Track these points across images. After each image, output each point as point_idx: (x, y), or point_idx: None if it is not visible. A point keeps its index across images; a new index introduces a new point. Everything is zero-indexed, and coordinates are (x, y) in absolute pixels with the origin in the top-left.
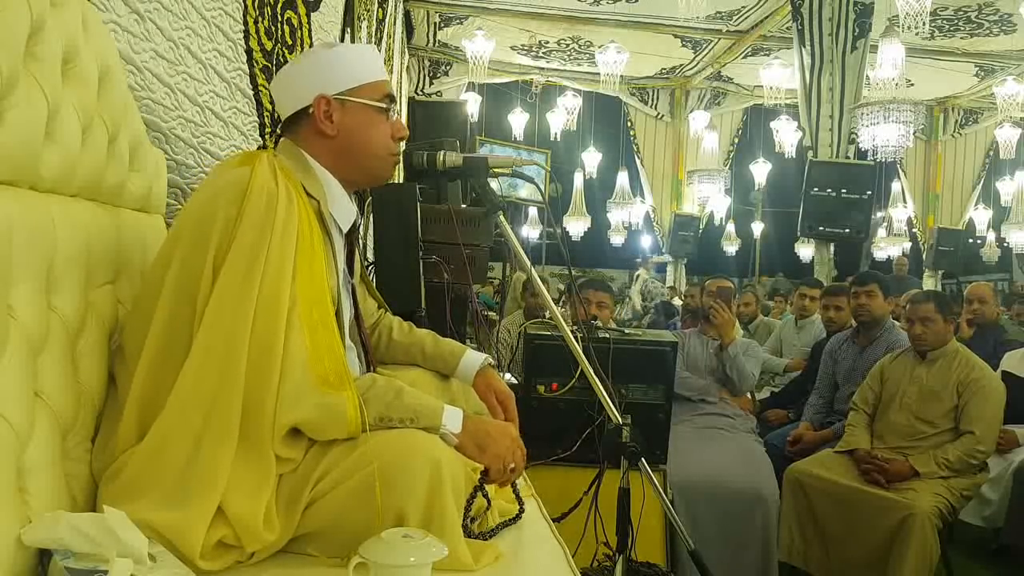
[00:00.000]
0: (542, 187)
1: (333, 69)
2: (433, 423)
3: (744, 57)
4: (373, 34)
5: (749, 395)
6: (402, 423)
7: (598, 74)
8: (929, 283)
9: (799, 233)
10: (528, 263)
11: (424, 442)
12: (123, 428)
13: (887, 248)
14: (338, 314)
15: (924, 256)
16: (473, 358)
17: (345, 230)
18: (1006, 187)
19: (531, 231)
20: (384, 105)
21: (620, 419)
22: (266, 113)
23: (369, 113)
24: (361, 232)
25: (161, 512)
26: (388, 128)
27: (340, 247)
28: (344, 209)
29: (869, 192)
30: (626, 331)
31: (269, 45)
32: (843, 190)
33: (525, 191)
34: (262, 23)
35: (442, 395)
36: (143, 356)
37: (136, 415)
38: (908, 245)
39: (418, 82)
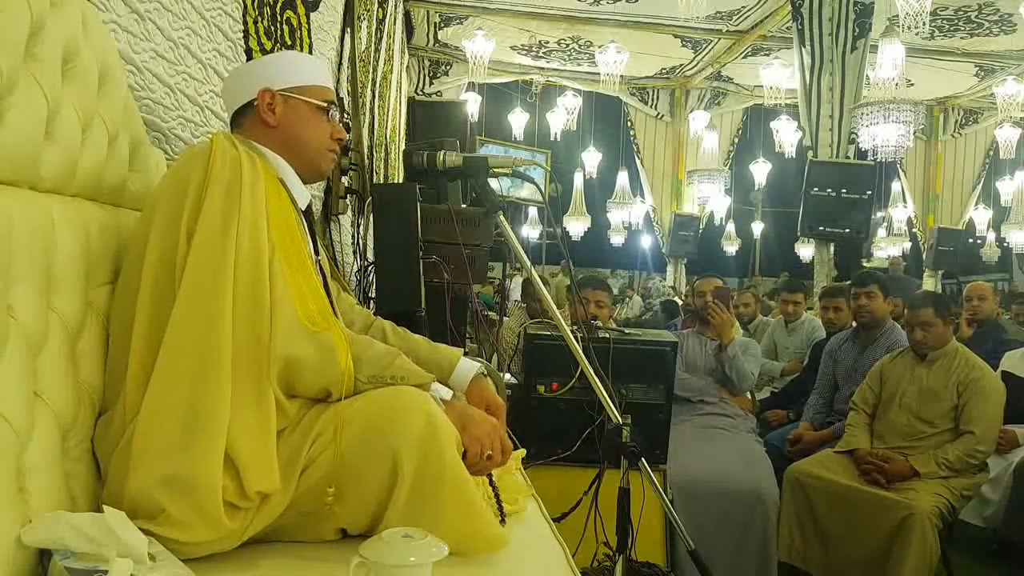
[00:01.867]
0: (542, 187)
1: (280, 68)
2: (422, 381)
3: (744, 57)
4: (373, 34)
5: (749, 395)
6: (393, 380)
7: (598, 74)
8: (929, 283)
9: (799, 233)
10: (528, 263)
11: (416, 396)
12: (129, 401)
13: (887, 248)
14: None
15: (924, 256)
16: (467, 367)
17: (302, 207)
18: (1006, 187)
19: (531, 231)
20: (324, 105)
21: (620, 419)
22: None
23: (310, 110)
24: (361, 232)
25: (172, 459)
26: (327, 128)
27: (303, 224)
28: (299, 189)
29: (869, 192)
30: (626, 331)
31: (268, 45)
32: (843, 190)
33: (525, 191)
34: (261, 23)
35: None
36: (135, 332)
37: (138, 386)
38: (908, 245)
39: (418, 82)
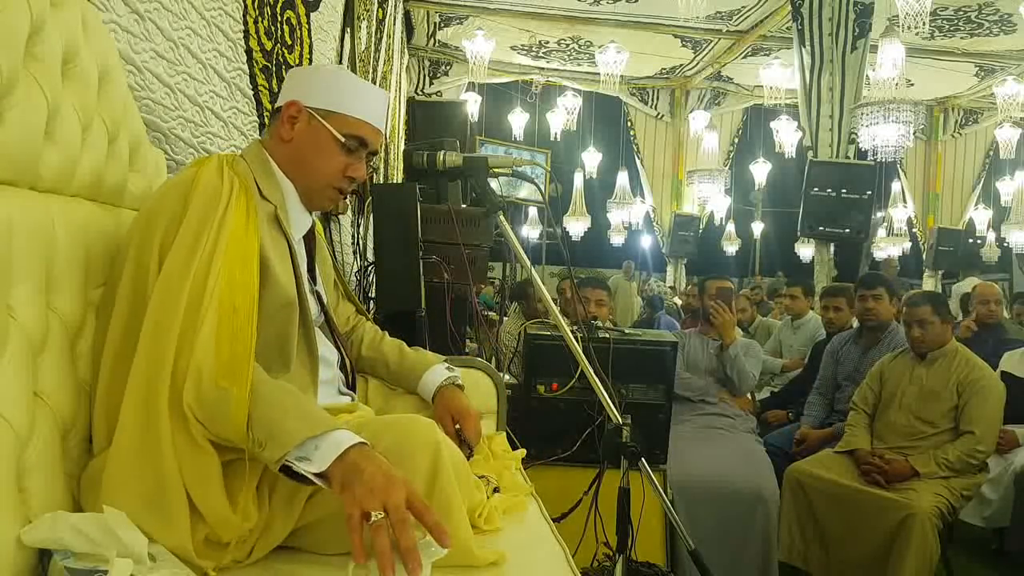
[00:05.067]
0: (542, 187)
1: (322, 84)
2: (274, 455)
3: (744, 57)
4: (373, 34)
5: (749, 395)
6: (261, 446)
7: (598, 74)
8: (929, 283)
9: (799, 233)
10: (528, 263)
11: (422, 427)
12: (95, 430)
13: (887, 248)
14: (304, 317)
15: (924, 256)
16: (433, 378)
17: (298, 237)
18: (1006, 187)
19: (531, 231)
20: (344, 141)
21: (620, 419)
22: (266, 113)
23: (328, 139)
24: (361, 232)
25: (142, 515)
26: (342, 162)
27: (301, 252)
28: (298, 216)
29: (869, 192)
30: (626, 331)
31: (269, 45)
32: (843, 190)
33: (525, 191)
34: (262, 23)
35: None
36: (104, 357)
37: (104, 416)
38: (908, 245)
39: (418, 82)
